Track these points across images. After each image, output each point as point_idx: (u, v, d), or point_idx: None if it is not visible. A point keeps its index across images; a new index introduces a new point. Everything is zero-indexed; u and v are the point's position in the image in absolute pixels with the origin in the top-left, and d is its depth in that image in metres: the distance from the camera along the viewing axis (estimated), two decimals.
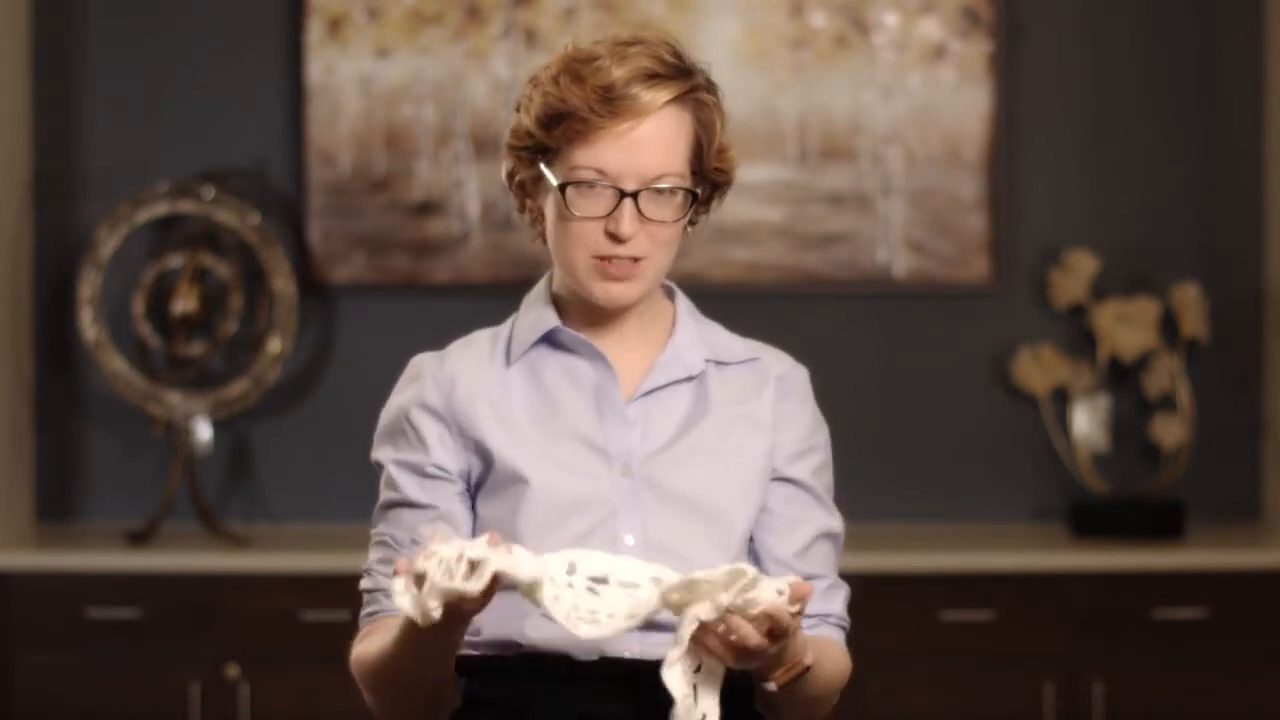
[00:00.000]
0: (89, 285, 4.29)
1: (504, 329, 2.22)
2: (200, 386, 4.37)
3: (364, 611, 2.22)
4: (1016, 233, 4.49)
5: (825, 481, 2.22)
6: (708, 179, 2.15)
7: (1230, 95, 4.49)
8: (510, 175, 2.17)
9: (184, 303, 4.32)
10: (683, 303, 2.23)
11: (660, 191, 2.08)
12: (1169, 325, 4.44)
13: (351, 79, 4.43)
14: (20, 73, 4.39)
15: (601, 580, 1.92)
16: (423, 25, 4.43)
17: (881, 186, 4.44)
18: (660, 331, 2.20)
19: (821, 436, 2.22)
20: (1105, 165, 4.50)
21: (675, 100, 2.09)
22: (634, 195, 2.08)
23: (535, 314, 2.20)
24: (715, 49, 4.34)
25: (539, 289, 2.22)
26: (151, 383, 4.31)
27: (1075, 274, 4.41)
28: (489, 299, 4.40)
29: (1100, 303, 4.42)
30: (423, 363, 2.19)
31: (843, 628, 2.21)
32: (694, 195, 2.11)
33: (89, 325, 4.29)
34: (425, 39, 4.43)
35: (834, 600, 2.19)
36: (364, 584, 2.22)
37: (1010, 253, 4.49)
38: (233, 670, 4.04)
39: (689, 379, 2.18)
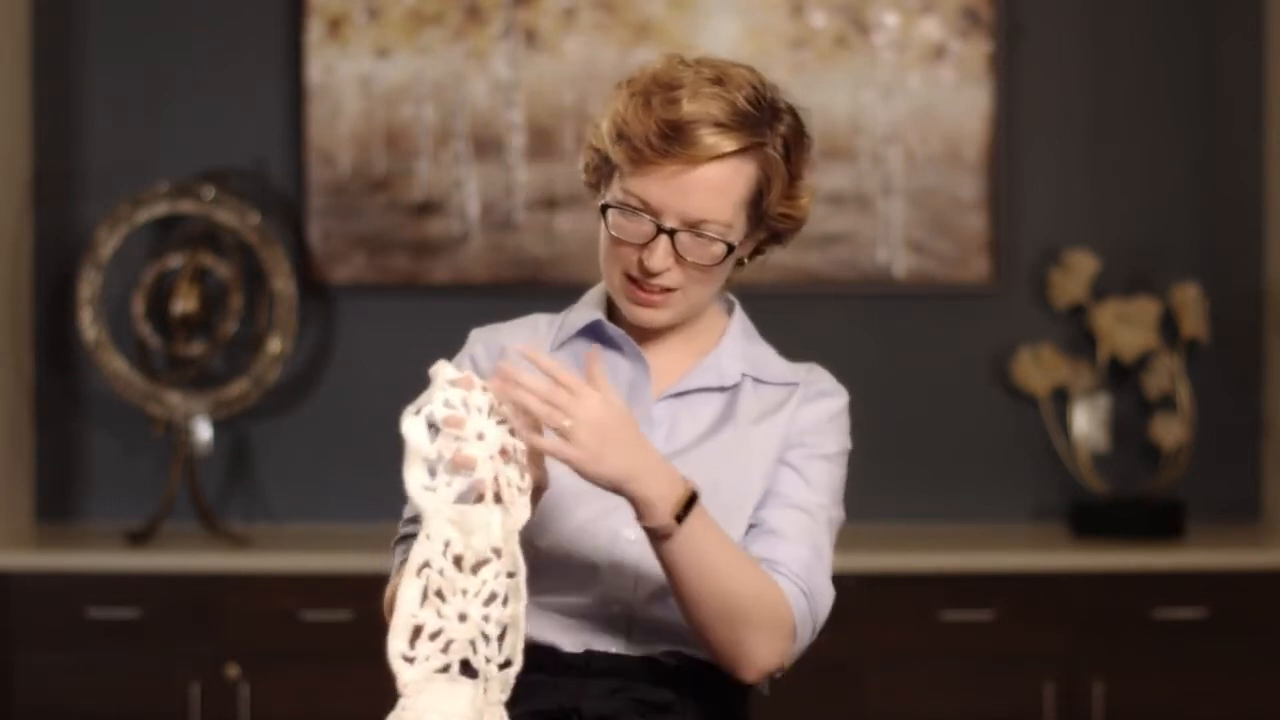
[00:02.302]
0: (89, 285, 4.29)
1: (560, 315, 2.24)
2: (200, 386, 4.37)
3: (396, 563, 2.18)
4: (1016, 233, 4.49)
5: (825, 475, 2.17)
6: (768, 224, 2.14)
7: (1230, 95, 4.49)
8: (585, 169, 2.18)
9: (184, 303, 4.32)
10: (738, 319, 2.23)
11: (699, 236, 2.08)
12: (1169, 325, 4.44)
13: (351, 79, 4.43)
14: (20, 73, 4.39)
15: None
16: (423, 25, 4.43)
17: (881, 186, 4.44)
18: (708, 341, 2.20)
19: (834, 444, 2.19)
20: (1105, 165, 4.50)
21: (737, 153, 2.07)
22: (671, 233, 2.07)
23: (586, 308, 2.21)
24: (715, 49, 4.34)
25: (599, 286, 2.23)
26: (151, 383, 4.31)
27: (1075, 274, 4.41)
28: (489, 299, 4.42)
29: (1100, 303, 4.42)
30: (476, 333, 2.23)
31: (799, 586, 2.08)
32: (730, 247, 2.09)
33: (89, 325, 4.29)
34: (425, 39, 4.42)
35: (788, 553, 2.09)
36: (402, 530, 2.18)
37: (1010, 253, 4.49)
38: (233, 670, 4.04)
39: (721, 389, 2.18)
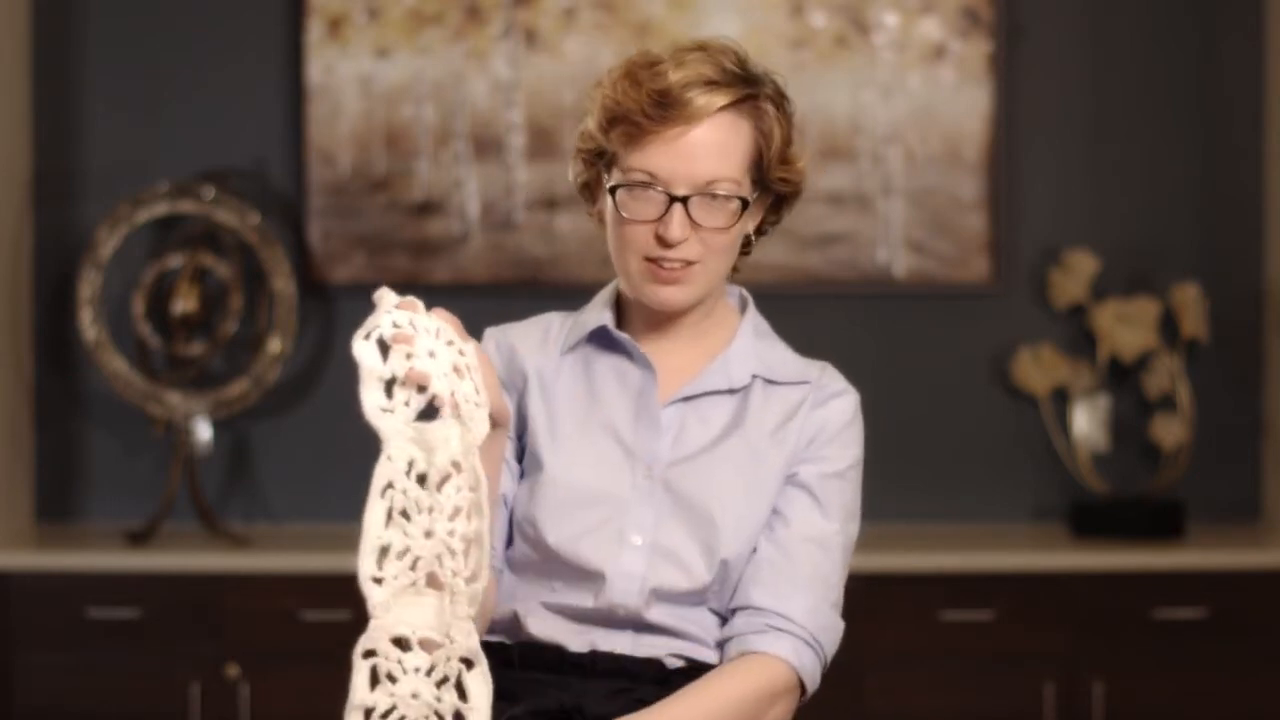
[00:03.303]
0: (89, 285, 4.29)
1: (571, 317, 2.24)
2: (200, 386, 4.37)
3: None
4: (1016, 233, 4.49)
5: (838, 496, 2.17)
6: (770, 188, 2.15)
7: (1230, 95, 4.49)
8: (577, 178, 2.18)
9: (184, 303, 4.32)
10: (750, 317, 2.22)
11: (712, 197, 2.07)
12: (1169, 325, 4.44)
13: (351, 79, 4.43)
14: (20, 73, 4.39)
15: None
16: (423, 25, 4.43)
17: (881, 186, 4.44)
18: (718, 342, 2.20)
19: (847, 457, 2.19)
20: (1105, 165, 4.50)
21: (732, 106, 2.08)
22: (684, 200, 2.07)
23: (595, 310, 2.21)
24: None
25: (610, 286, 2.23)
26: (151, 383, 4.31)
27: (1075, 274, 4.41)
28: (489, 299, 4.42)
29: (1100, 303, 4.42)
30: (489, 333, 2.24)
31: (804, 640, 2.09)
32: (745, 202, 2.10)
33: (89, 325, 4.29)
34: (425, 39, 4.43)
35: (795, 602, 2.10)
36: None
37: (1010, 253, 4.49)
38: (233, 670, 4.04)
39: (731, 392, 2.17)
